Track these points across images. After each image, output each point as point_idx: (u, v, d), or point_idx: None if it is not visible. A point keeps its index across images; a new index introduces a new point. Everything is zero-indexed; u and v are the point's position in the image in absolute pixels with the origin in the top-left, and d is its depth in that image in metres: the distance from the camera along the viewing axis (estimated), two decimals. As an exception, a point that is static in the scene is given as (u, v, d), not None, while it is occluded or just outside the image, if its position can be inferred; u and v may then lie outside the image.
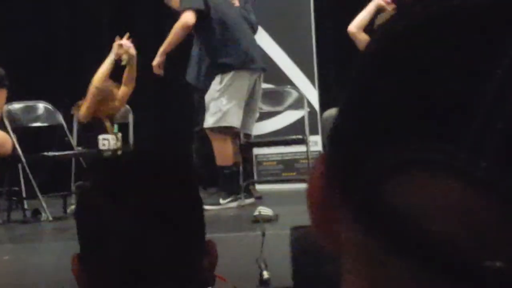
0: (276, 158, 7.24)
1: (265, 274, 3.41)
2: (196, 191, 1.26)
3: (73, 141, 6.10)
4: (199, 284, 1.21)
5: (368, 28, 5.53)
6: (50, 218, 5.58)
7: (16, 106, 6.12)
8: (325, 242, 0.43)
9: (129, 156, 1.44)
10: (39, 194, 5.67)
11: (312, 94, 7.03)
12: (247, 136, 6.00)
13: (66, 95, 6.86)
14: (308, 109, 6.40)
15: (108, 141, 5.93)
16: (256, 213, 4.71)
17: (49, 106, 6.18)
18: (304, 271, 2.53)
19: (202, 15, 5.50)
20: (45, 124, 6.23)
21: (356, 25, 5.59)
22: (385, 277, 0.39)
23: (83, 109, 5.92)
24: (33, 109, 6.24)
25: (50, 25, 8.05)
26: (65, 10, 8.10)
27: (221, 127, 5.56)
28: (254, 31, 6.04)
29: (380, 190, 0.38)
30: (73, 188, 6.02)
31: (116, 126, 6.06)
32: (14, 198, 5.91)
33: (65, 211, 5.84)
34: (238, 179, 5.74)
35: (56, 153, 6.08)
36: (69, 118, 6.11)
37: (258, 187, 6.75)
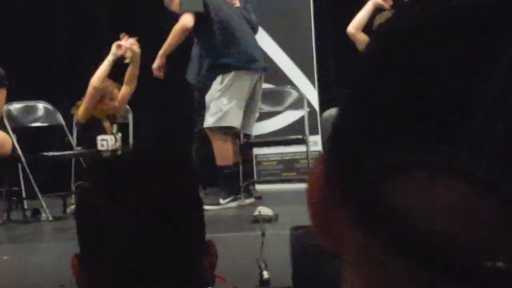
0: (276, 158, 7.24)
1: (265, 274, 3.40)
2: (196, 191, 1.26)
3: (73, 141, 6.10)
4: (199, 284, 1.21)
5: (367, 28, 5.53)
6: (50, 218, 5.58)
7: (16, 106, 6.12)
8: (325, 242, 0.43)
9: (129, 156, 1.44)
10: (39, 194, 5.67)
11: (312, 94, 7.03)
12: (247, 136, 6.01)
13: (66, 95, 6.85)
14: (308, 109, 6.40)
15: (106, 142, 5.93)
16: (256, 213, 4.71)
17: (49, 106, 6.18)
18: (304, 271, 2.53)
19: (202, 18, 5.50)
20: (45, 124, 6.23)
21: (354, 26, 5.60)
22: (385, 277, 0.39)
23: (81, 110, 5.92)
24: (33, 109, 6.23)
25: (50, 25, 8.06)
26: (65, 10, 8.10)
27: (221, 127, 5.57)
28: (255, 31, 6.05)
29: (380, 190, 0.38)
30: (73, 188, 6.02)
31: (115, 127, 6.05)
32: (14, 198, 5.91)
33: (65, 211, 5.84)
34: (238, 179, 5.74)
35: (56, 153, 6.08)
36: (69, 118, 6.11)
37: (258, 187, 6.75)
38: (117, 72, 6.05)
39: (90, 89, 5.87)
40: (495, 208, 0.35)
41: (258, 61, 5.68)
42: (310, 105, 6.68)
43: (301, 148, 6.58)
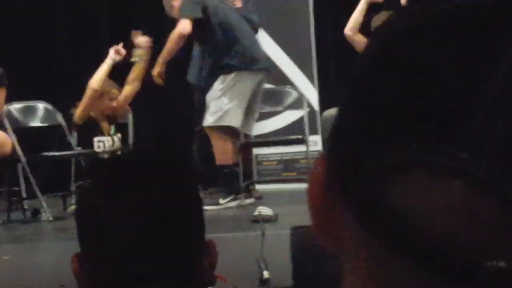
0: (276, 158, 7.24)
1: (265, 274, 3.40)
2: (196, 191, 1.26)
3: (73, 141, 6.10)
4: (199, 284, 1.21)
5: (365, 29, 5.53)
6: (50, 218, 5.57)
7: (16, 106, 6.12)
8: (325, 242, 0.43)
9: (128, 156, 1.44)
10: (39, 194, 5.67)
11: (311, 94, 7.03)
12: (247, 136, 6.01)
13: (66, 95, 6.85)
14: (308, 109, 6.40)
15: (103, 143, 5.92)
16: (256, 213, 4.71)
17: (49, 106, 6.18)
18: (304, 271, 2.53)
19: (202, 22, 5.53)
20: (45, 124, 6.22)
21: (350, 28, 5.61)
22: (385, 277, 0.39)
23: (78, 111, 5.91)
24: (33, 109, 6.23)
25: (50, 25, 8.05)
26: (65, 10, 8.10)
27: (221, 127, 5.57)
28: (256, 31, 6.05)
29: (380, 190, 0.38)
30: (73, 188, 6.01)
31: (113, 128, 6.03)
32: (14, 198, 5.91)
33: (65, 211, 5.84)
34: (238, 179, 5.75)
35: (56, 153, 6.07)
36: (69, 118, 6.10)
37: (258, 187, 6.75)
38: (117, 72, 6.05)
39: (88, 91, 5.86)
40: (495, 208, 0.35)
41: (260, 61, 5.69)
42: (310, 105, 6.68)
43: (301, 148, 6.57)
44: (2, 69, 5.66)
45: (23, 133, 6.05)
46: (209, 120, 5.61)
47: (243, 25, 5.74)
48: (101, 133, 5.96)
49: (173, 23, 5.70)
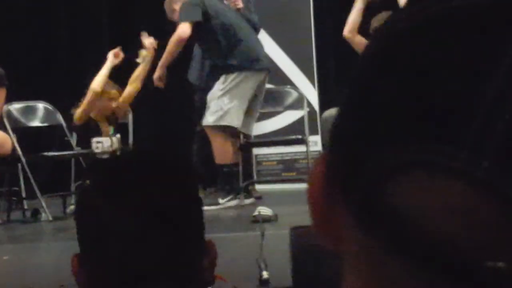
0: (276, 158, 7.24)
1: (265, 274, 3.40)
2: (196, 191, 1.26)
3: (73, 141, 6.10)
4: (199, 284, 1.21)
5: (364, 30, 5.53)
6: (50, 218, 5.58)
7: (16, 106, 6.12)
8: (325, 242, 0.43)
9: (128, 156, 1.44)
10: (39, 194, 5.67)
11: (311, 94, 7.03)
12: (247, 136, 6.01)
13: (66, 95, 6.86)
14: (308, 109, 6.40)
15: (101, 144, 5.93)
16: (256, 213, 4.71)
17: (49, 106, 6.18)
18: (304, 271, 2.53)
19: (203, 25, 5.55)
20: (45, 124, 6.23)
21: (349, 29, 5.61)
22: (386, 277, 0.39)
23: (78, 112, 5.92)
24: (33, 109, 6.24)
25: (50, 25, 8.05)
26: (65, 10, 8.09)
27: (221, 126, 5.58)
28: (257, 31, 6.06)
29: (380, 190, 0.38)
30: (73, 188, 6.02)
31: (111, 129, 6.03)
32: (14, 198, 5.91)
33: (65, 211, 5.84)
34: (237, 178, 5.75)
35: (56, 153, 6.08)
36: (69, 118, 6.11)
37: (258, 187, 6.75)
38: (118, 73, 6.05)
39: (90, 94, 5.87)
40: (495, 208, 0.35)
41: (261, 60, 5.71)
42: (310, 105, 6.68)
43: (301, 148, 6.58)
44: (2, 69, 5.66)
45: (23, 133, 6.05)
46: (209, 119, 5.62)
47: (244, 26, 5.75)
48: (100, 134, 5.97)
49: (173, 24, 5.71)
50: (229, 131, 5.63)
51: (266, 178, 7.18)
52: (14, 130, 5.84)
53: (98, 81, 5.88)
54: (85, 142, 5.98)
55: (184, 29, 5.53)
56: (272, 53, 7.02)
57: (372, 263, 0.39)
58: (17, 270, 4.13)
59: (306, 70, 7.16)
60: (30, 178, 5.71)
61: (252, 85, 5.62)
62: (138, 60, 5.97)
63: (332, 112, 5.85)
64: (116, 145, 5.98)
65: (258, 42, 5.86)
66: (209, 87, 5.73)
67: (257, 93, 5.70)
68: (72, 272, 1.21)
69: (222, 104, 5.54)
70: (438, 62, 0.37)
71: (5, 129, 5.76)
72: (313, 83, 7.16)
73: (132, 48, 6.05)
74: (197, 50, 6.11)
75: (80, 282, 1.21)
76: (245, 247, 3.85)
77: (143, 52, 5.95)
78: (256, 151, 7.07)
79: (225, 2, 5.86)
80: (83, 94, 5.96)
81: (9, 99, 5.88)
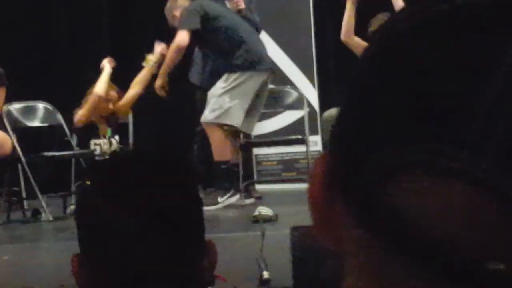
0: (276, 158, 7.24)
1: (265, 274, 3.40)
2: (196, 191, 1.26)
3: (73, 141, 6.10)
4: (199, 284, 1.21)
5: (362, 30, 5.52)
6: (50, 218, 5.57)
7: (16, 106, 6.12)
8: (325, 241, 0.43)
9: (128, 156, 1.43)
10: (39, 194, 5.67)
11: (311, 94, 7.03)
12: (247, 136, 6.01)
13: (66, 95, 6.85)
14: (308, 109, 6.40)
15: (100, 146, 5.93)
16: (256, 213, 4.71)
17: (49, 106, 6.18)
18: (304, 271, 2.53)
19: (202, 31, 5.57)
20: (45, 124, 6.23)
21: (345, 33, 5.61)
22: (385, 277, 0.39)
23: (79, 114, 5.91)
24: (33, 109, 6.23)
25: (50, 25, 8.05)
26: (65, 10, 8.09)
27: (220, 124, 5.58)
28: (258, 31, 6.06)
29: (380, 190, 0.38)
30: (73, 188, 6.01)
31: (109, 131, 6.03)
32: (14, 198, 5.91)
33: (65, 211, 5.84)
34: (236, 176, 5.75)
35: (56, 153, 6.07)
36: (69, 118, 6.10)
37: (258, 187, 6.75)
38: (118, 73, 6.05)
39: (93, 98, 5.87)
40: (495, 208, 0.35)
41: (264, 61, 5.71)
42: (310, 105, 6.68)
43: (301, 148, 6.58)
44: (2, 69, 5.66)
45: (23, 133, 6.05)
46: (207, 116, 5.62)
47: (246, 27, 5.76)
48: (99, 136, 5.97)
49: (174, 28, 5.72)
50: (228, 130, 5.64)
51: (266, 178, 7.18)
52: (14, 130, 5.84)
53: (101, 86, 5.89)
54: (85, 143, 5.98)
55: (182, 37, 5.57)
56: (272, 53, 7.01)
57: (372, 263, 0.39)
58: (17, 270, 4.13)
59: (306, 70, 7.16)
60: (30, 178, 5.70)
61: (254, 85, 5.63)
62: (144, 63, 5.98)
63: (332, 112, 5.85)
64: (115, 146, 5.98)
65: (260, 42, 5.87)
66: (210, 88, 5.73)
67: (259, 93, 5.70)
68: (72, 272, 1.21)
69: (223, 103, 5.55)
70: (438, 62, 0.37)
71: (5, 129, 5.76)
72: (313, 83, 7.16)
73: (132, 49, 6.05)
74: (198, 51, 6.12)
75: (80, 282, 1.21)
76: (245, 247, 3.85)
77: (148, 56, 5.97)
78: (256, 151, 7.07)
79: (226, 3, 5.87)
80: (83, 95, 5.96)
81: (9, 99, 5.88)
